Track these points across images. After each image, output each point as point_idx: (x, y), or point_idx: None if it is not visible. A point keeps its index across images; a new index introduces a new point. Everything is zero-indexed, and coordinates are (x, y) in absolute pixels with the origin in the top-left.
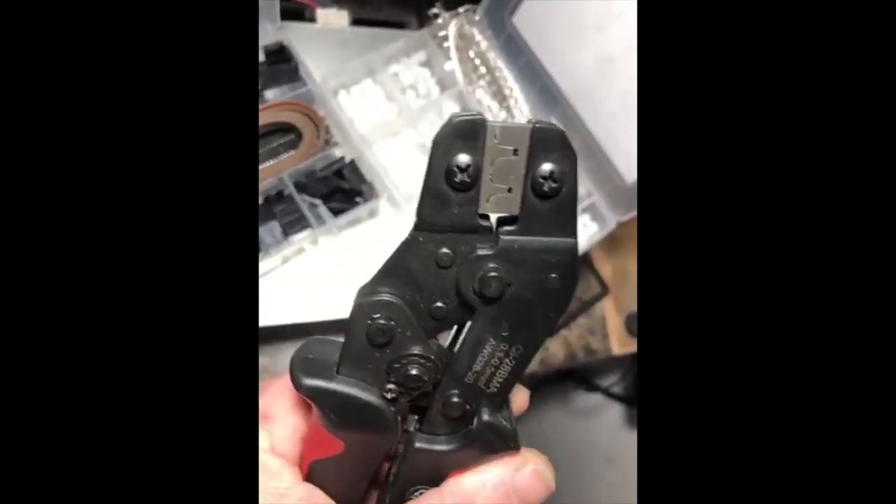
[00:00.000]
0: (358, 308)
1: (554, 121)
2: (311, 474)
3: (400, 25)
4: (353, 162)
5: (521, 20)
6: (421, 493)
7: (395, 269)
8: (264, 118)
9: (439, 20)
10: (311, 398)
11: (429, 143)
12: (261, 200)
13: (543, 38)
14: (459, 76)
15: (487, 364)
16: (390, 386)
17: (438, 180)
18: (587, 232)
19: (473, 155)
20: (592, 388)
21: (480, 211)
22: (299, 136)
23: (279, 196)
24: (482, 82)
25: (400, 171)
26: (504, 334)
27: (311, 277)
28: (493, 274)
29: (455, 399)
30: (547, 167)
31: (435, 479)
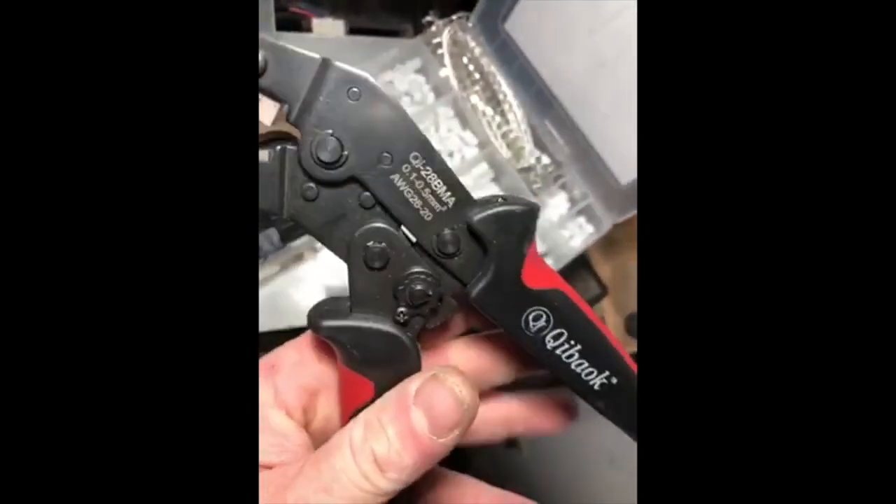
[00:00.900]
0: (353, 242)
1: (548, 124)
2: None
3: (395, 33)
4: None
5: (514, 26)
6: None
7: None
8: (262, 128)
9: (433, 28)
10: (330, 339)
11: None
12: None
13: (536, 43)
14: (454, 82)
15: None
16: (401, 309)
17: None
18: (583, 233)
19: None
20: None
21: None
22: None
23: None
24: (476, 88)
25: None
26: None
27: (309, 283)
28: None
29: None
30: None
31: None
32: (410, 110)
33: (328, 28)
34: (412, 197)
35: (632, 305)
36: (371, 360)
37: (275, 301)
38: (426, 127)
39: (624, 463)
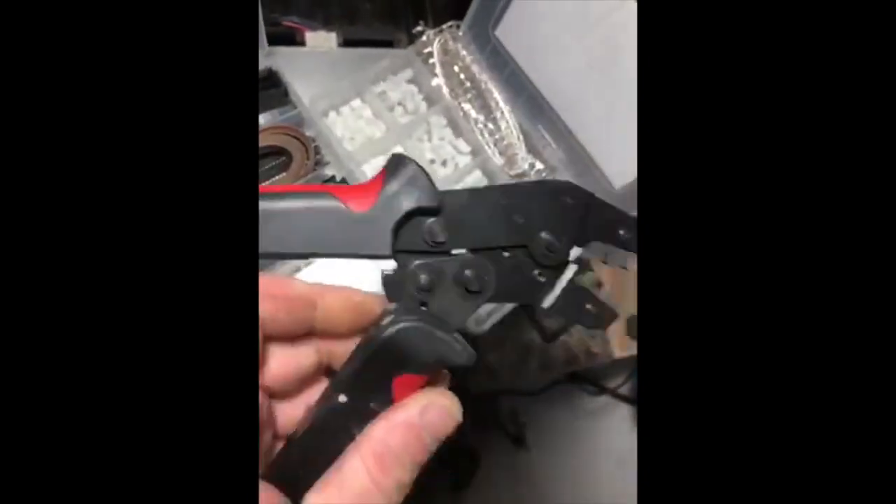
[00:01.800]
0: None
1: (541, 129)
2: None
3: (389, 44)
4: (343, 180)
5: (504, 32)
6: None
7: None
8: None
9: (424, 37)
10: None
11: (417, 158)
12: None
13: (526, 49)
14: (445, 91)
15: None
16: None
17: None
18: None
19: None
20: (601, 390)
21: None
22: (290, 158)
23: None
24: (469, 95)
25: None
26: None
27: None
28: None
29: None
30: None
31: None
32: (403, 120)
33: (321, 41)
34: None
35: (632, 308)
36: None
37: None
38: (419, 136)
39: (631, 463)
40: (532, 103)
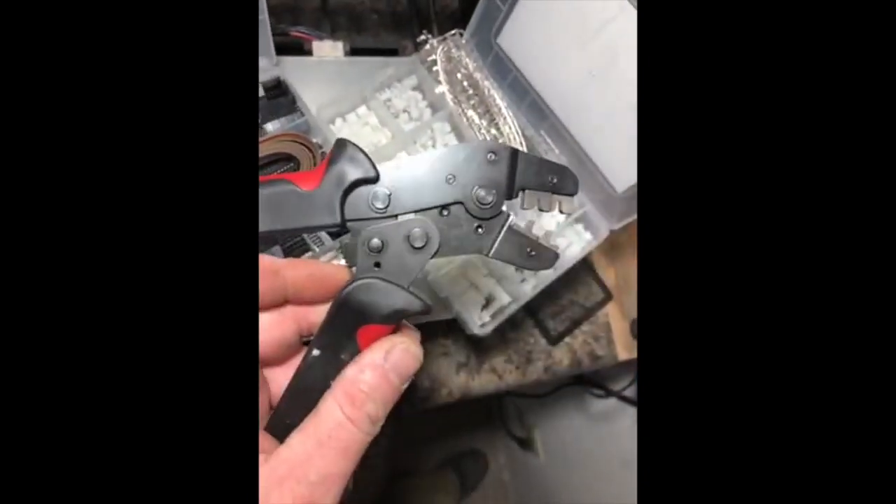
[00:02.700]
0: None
1: (543, 134)
2: None
3: (395, 52)
4: None
5: (506, 40)
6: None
7: None
8: (264, 149)
9: (428, 45)
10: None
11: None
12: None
13: (528, 56)
14: (449, 98)
15: None
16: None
17: None
18: (582, 241)
19: None
20: (607, 393)
21: None
22: (298, 164)
23: None
24: (472, 102)
25: None
26: None
27: None
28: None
29: None
30: None
31: None
32: (408, 127)
33: (328, 50)
34: None
35: (636, 310)
36: None
37: None
38: (424, 142)
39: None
40: (534, 109)
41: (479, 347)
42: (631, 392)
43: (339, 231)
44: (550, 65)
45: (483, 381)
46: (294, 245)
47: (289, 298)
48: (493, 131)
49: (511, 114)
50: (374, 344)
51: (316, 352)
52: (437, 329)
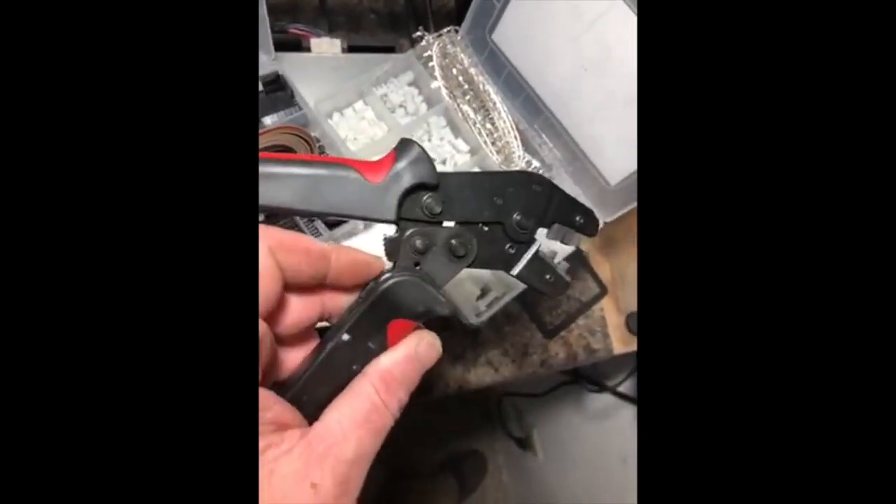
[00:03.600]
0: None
1: (537, 129)
2: None
3: (392, 49)
4: None
5: (500, 36)
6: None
7: None
8: (263, 141)
9: (423, 42)
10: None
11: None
12: (261, 217)
13: (522, 52)
14: (445, 93)
15: None
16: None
17: None
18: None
19: None
20: (601, 388)
21: None
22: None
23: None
24: (468, 97)
25: None
26: None
27: None
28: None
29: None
30: None
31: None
32: (405, 121)
33: (326, 47)
34: None
35: (632, 304)
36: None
37: None
38: (420, 136)
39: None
40: (529, 104)
41: (476, 341)
42: (626, 387)
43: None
44: (544, 60)
45: (479, 373)
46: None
47: (328, 283)
48: (489, 126)
49: (505, 109)
50: (408, 337)
51: (346, 336)
52: (433, 323)
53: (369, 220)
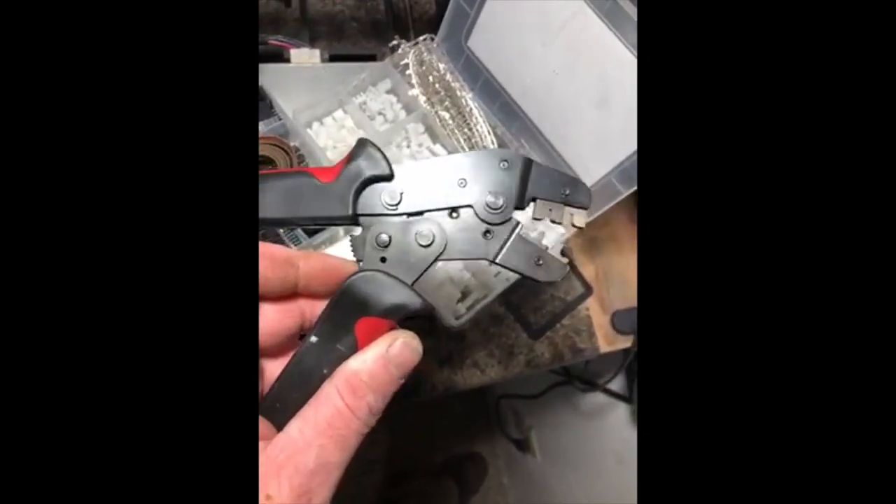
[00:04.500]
0: None
1: (515, 132)
2: None
3: (373, 58)
4: None
5: (476, 43)
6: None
7: None
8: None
9: (400, 50)
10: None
11: (396, 163)
12: None
13: (497, 58)
14: (422, 100)
15: None
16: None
17: None
18: (554, 233)
19: None
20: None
21: None
22: (274, 167)
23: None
24: (445, 103)
25: None
26: None
27: None
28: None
29: None
30: None
31: None
32: (383, 128)
33: (305, 58)
34: None
35: (616, 303)
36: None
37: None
38: (399, 142)
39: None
40: (505, 109)
41: (462, 343)
42: (617, 385)
43: (350, 225)
44: (518, 66)
45: (466, 375)
46: (272, 243)
47: (299, 290)
48: (466, 131)
49: (482, 114)
50: (380, 338)
51: (314, 339)
52: (419, 325)
53: (327, 219)
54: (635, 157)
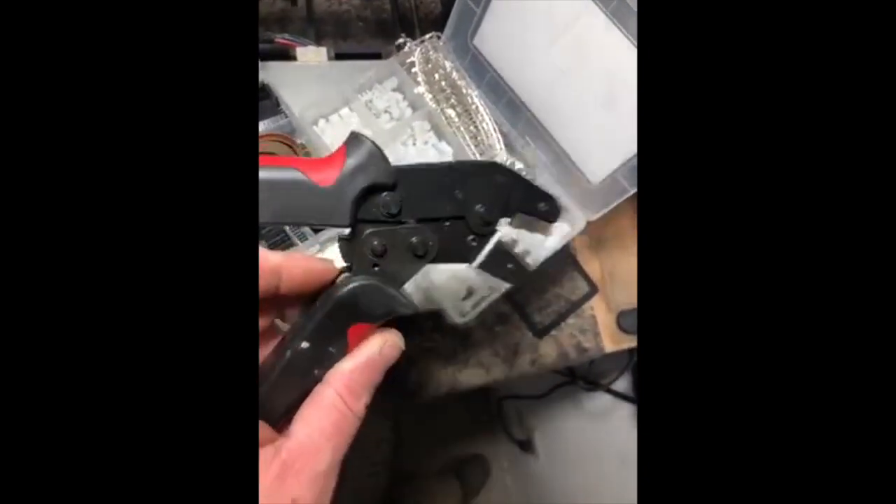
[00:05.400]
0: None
1: (520, 130)
2: None
3: (379, 56)
4: None
5: (482, 41)
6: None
7: None
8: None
9: (406, 48)
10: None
11: (401, 161)
12: None
13: (503, 56)
14: (428, 98)
15: None
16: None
17: None
18: (560, 232)
19: None
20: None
21: None
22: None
23: None
24: (451, 101)
25: None
26: None
27: None
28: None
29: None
30: None
31: None
32: (389, 126)
33: (312, 56)
34: None
35: (622, 303)
36: None
37: None
38: (404, 140)
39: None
40: (511, 107)
41: (466, 342)
42: (621, 386)
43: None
44: (524, 64)
45: (470, 374)
46: (278, 241)
47: (279, 292)
48: (472, 129)
49: (488, 112)
50: (369, 340)
51: (305, 344)
52: (424, 324)
53: (323, 226)
54: None
